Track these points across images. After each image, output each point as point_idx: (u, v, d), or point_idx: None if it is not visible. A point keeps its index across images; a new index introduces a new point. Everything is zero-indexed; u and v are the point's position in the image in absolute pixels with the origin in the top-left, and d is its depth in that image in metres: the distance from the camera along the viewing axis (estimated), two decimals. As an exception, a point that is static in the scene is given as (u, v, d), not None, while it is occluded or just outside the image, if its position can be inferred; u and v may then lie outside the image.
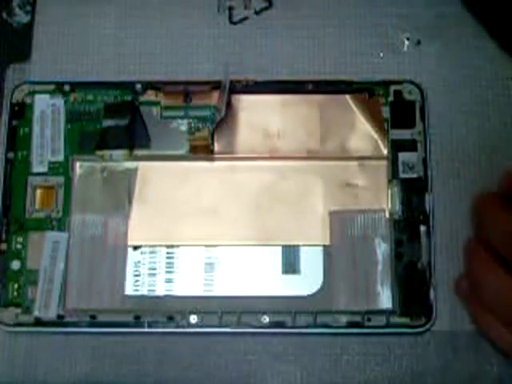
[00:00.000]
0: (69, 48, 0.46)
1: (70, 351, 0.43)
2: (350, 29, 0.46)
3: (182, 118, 0.45)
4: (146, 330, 0.42)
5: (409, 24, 0.46)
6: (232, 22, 0.47)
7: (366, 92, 0.45)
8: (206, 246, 0.43)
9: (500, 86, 0.45)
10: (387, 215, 0.43)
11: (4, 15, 0.47)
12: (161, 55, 0.46)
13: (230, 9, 0.47)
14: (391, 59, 0.46)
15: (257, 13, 0.47)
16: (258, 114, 0.45)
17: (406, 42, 0.46)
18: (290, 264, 0.43)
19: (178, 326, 0.42)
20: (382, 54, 0.46)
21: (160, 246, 0.43)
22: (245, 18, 0.47)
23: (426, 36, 0.46)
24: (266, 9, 0.47)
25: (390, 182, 0.44)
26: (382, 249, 0.43)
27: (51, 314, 0.43)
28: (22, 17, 0.47)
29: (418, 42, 0.46)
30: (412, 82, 0.45)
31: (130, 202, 0.44)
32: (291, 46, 0.46)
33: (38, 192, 0.44)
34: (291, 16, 0.47)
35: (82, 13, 0.47)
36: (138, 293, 0.43)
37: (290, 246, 0.43)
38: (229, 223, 0.44)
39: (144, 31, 0.47)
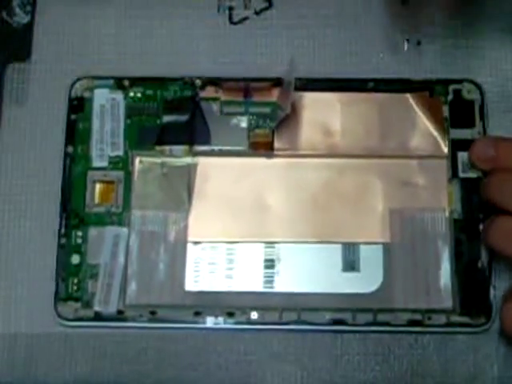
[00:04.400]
0: (69, 48, 0.46)
1: (71, 351, 0.43)
2: (349, 29, 0.46)
3: (242, 114, 0.45)
4: (207, 325, 0.42)
5: (409, 24, 0.46)
6: (232, 22, 0.47)
7: (426, 91, 0.45)
8: (266, 242, 0.43)
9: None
10: (447, 214, 0.43)
11: (4, 15, 0.47)
12: (161, 55, 0.46)
13: (230, 9, 0.47)
14: (391, 59, 0.46)
15: (257, 13, 0.47)
16: (318, 112, 0.45)
17: (406, 43, 0.46)
18: (350, 262, 0.43)
19: (238, 323, 0.42)
20: (381, 54, 0.46)
21: (220, 242, 0.43)
22: (245, 18, 0.47)
23: (426, 36, 0.46)
24: (266, 9, 0.47)
25: (449, 181, 0.44)
26: (442, 248, 0.43)
27: (111, 308, 0.43)
28: (21, 17, 0.47)
29: (418, 43, 0.46)
30: (472, 82, 0.45)
31: (190, 198, 0.44)
32: (291, 46, 0.46)
33: (98, 186, 0.44)
34: (291, 16, 0.47)
35: (82, 13, 0.47)
36: (198, 288, 0.43)
37: (349, 244, 0.43)
38: (288, 220, 0.44)
39: (144, 31, 0.46)
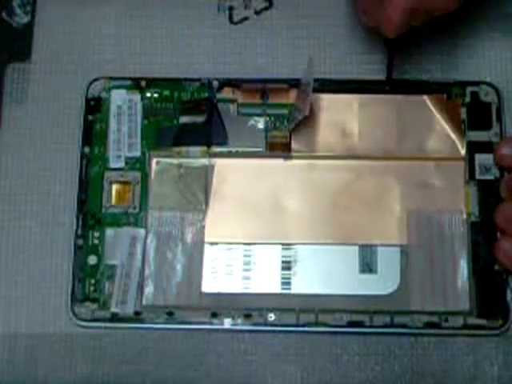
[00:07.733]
0: (69, 48, 0.46)
1: (71, 351, 0.43)
2: (349, 29, 0.46)
3: (259, 115, 0.45)
4: (224, 327, 0.42)
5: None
6: (232, 22, 0.47)
7: (444, 93, 0.45)
8: (283, 244, 0.43)
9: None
10: (464, 216, 0.43)
11: (4, 15, 0.47)
12: (161, 55, 0.46)
13: (230, 9, 0.47)
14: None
15: (257, 13, 0.47)
16: (336, 113, 0.45)
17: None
18: (367, 263, 0.43)
19: (255, 324, 0.42)
20: (381, 54, 0.46)
21: (237, 243, 0.43)
22: (245, 18, 0.47)
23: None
24: (266, 9, 0.47)
25: (466, 183, 0.44)
26: (459, 250, 0.43)
27: (128, 309, 0.43)
28: (21, 17, 0.47)
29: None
30: (489, 84, 0.45)
31: (207, 199, 0.44)
32: (291, 46, 0.46)
33: (115, 187, 0.44)
34: (291, 16, 0.47)
35: (82, 13, 0.47)
36: (215, 290, 0.43)
37: (366, 246, 0.43)
38: (305, 221, 0.44)
39: (144, 31, 0.47)
